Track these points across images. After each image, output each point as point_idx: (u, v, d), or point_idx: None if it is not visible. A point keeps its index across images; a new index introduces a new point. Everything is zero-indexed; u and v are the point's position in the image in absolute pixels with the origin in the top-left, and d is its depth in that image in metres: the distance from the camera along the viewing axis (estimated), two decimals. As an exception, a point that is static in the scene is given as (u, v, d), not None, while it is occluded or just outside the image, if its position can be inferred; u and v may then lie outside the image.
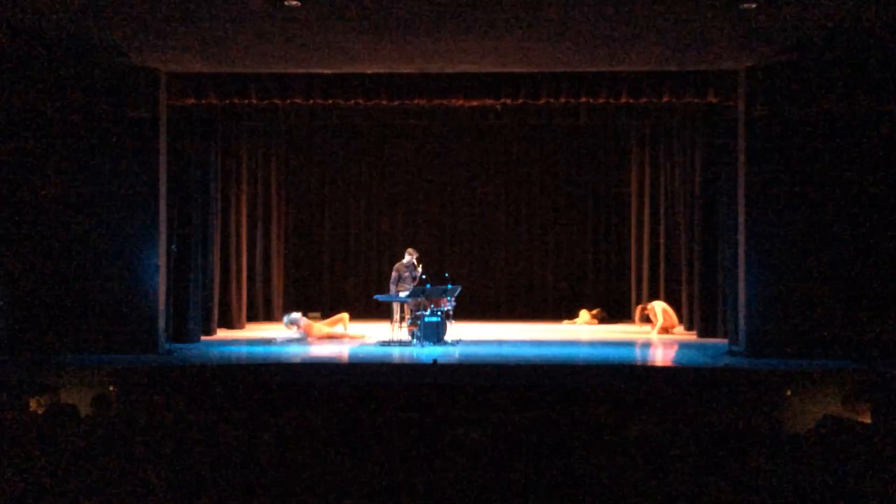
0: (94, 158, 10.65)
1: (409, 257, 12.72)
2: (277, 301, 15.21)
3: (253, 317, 14.59)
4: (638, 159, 15.44)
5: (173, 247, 11.20)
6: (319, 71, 11.07)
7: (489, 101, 11.40)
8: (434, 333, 11.48)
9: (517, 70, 11.02)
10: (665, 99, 11.10)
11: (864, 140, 10.22)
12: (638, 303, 14.56)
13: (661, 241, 14.61)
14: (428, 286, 11.95)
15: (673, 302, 13.62)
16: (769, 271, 10.40)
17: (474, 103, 11.46)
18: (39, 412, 8.26)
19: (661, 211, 14.56)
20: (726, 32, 9.26)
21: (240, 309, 13.95)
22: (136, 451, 5.76)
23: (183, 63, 10.72)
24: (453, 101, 11.36)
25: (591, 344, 12.46)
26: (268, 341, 12.21)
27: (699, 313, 12.64)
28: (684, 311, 13.50)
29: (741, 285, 10.63)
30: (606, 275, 16.12)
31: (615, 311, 15.49)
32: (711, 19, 8.84)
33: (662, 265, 14.53)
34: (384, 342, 11.89)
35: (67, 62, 10.36)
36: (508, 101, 11.31)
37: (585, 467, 5.39)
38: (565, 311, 15.41)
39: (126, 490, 5.07)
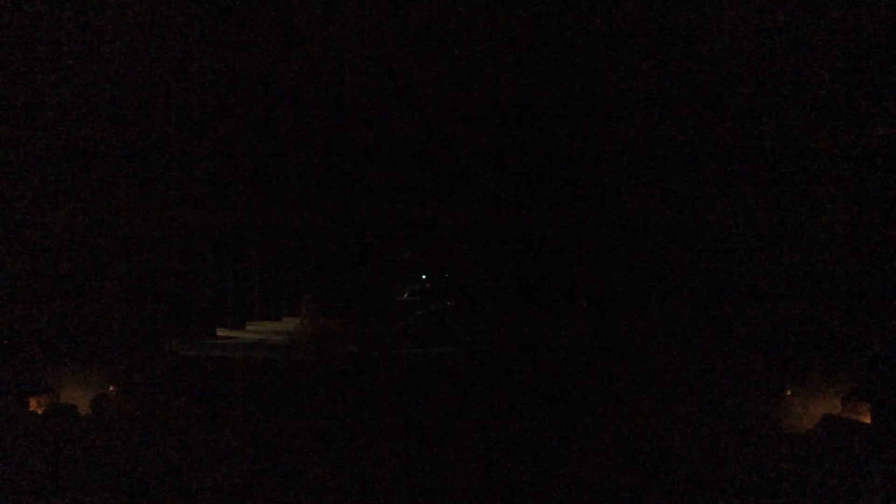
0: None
1: (409, 259, 12.71)
2: (276, 302, 15.22)
3: (252, 317, 14.59)
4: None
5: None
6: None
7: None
8: (433, 333, 11.49)
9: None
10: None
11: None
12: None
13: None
14: (428, 286, 11.94)
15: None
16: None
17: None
18: (39, 412, 8.26)
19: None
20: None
21: (240, 309, 13.95)
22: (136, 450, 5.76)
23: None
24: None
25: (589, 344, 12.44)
26: (269, 340, 12.21)
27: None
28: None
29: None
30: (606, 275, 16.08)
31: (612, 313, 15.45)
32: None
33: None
34: (384, 341, 11.88)
35: None
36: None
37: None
38: (565, 312, 15.39)
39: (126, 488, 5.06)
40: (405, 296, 12.36)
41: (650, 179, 15.39)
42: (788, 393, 9.03)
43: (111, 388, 9.15)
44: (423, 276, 12.51)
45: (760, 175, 10.58)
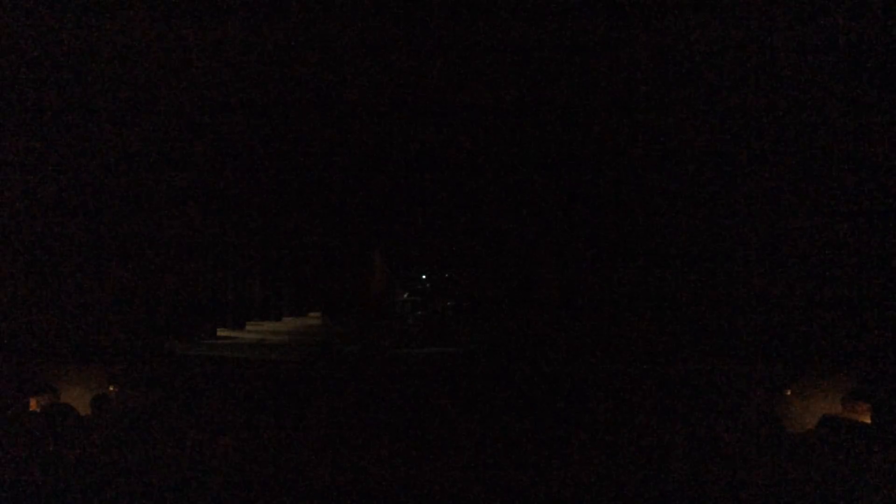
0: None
1: (409, 258, 12.72)
2: (276, 302, 15.22)
3: (252, 317, 14.58)
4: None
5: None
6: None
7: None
8: (433, 333, 11.49)
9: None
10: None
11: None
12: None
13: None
14: (428, 286, 11.95)
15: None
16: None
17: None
18: (39, 412, 8.27)
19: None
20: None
21: (240, 309, 13.95)
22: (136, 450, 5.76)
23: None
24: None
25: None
26: (269, 340, 12.21)
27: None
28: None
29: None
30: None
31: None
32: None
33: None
34: (384, 341, 11.88)
35: None
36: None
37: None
38: (565, 313, 15.38)
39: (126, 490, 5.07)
40: (405, 296, 12.36)
41: (651, 180, 15.38)
42: (788, 393, 9.04)
43: (111, 388, 9.16)
44: (423, 276, 12.51)
45: (760, 175, 10.59)
